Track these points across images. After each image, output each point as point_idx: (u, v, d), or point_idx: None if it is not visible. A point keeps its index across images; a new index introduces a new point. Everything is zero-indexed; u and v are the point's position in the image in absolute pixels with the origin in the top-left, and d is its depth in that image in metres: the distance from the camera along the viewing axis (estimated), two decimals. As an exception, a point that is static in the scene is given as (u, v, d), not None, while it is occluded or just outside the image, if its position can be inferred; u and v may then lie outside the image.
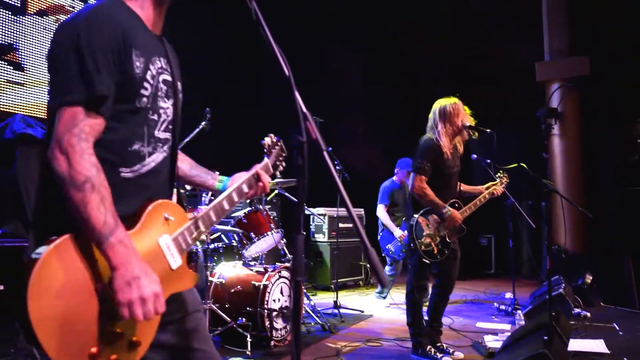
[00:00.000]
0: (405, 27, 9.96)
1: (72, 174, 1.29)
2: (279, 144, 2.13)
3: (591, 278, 6.40)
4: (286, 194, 5.67)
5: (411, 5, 9.82)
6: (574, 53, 8.38)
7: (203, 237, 4.81)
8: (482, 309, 6.28)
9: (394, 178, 6.67)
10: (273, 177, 2.07)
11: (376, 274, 1.13)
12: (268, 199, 6.20)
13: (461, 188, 4.23)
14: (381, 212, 6.46)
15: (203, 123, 4.36)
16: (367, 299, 6.93)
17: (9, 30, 5.67)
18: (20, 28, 5.80)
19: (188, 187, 4.42)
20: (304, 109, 1.19)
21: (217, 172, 1.99)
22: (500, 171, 4.45)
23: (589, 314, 5.36)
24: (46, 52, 1.44)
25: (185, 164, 1.93)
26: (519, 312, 4.91)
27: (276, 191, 5.68)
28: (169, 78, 1.61)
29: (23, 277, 1.23)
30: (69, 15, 1.45)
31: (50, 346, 1.23)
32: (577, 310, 5.40)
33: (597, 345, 4.20)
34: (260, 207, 4.74)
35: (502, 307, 5.94)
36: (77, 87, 1.34)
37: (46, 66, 1.44)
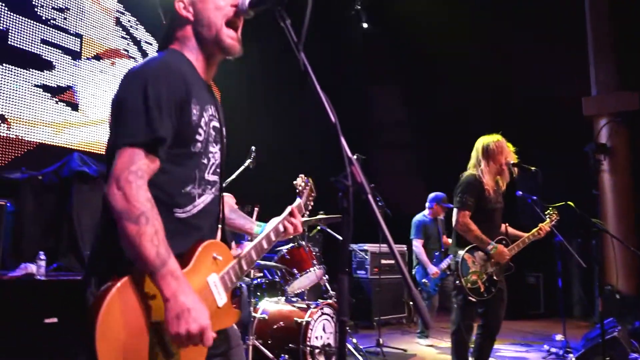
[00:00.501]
0: (450, 62, 10.00)
1: (129, 208, 1.36)
2: (309, 184, 2.21)
3: (648, 321, 6.09)
4: (328, 230, 5.70)
5: (456, 39, 9.88)
6: (622, 87, 8.21)
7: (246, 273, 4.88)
8: (531, 351, 6.05)
9: (426, 212, 6.65)
10: (303, 216, 2.12)
11: (421, 316, 1.15)
12: (310, 235, 6.24)
13: (507, 230, 4.14)
14: (417, 247, 6.42)
15: (248, 161, 4.48)
16: (410, 337, 6.79)
17: (68, 72, 6.04)
18: (78, 71, 6.17)
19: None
20: (349, 154, 1.24)
21: (257, 207, 2.10)
22: (551, 209, 4.34)
23: (646, 360, 5.08)
24: (113, 97, 1.55)
25: (226, 207, 1.99)
26: (571, 355, 4.71)
27: (318, 227, 5.72)
28: (217, 124, 1.72)
29: (90, 317, 1.32)
30: (137, 64, 1.58)
31: None
32: (633, 355, 5.13)
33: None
34: (303, 243, 4.78)
35: (553, 349, 5.71)
36: (140, 130, 1.43)
37: (110, 109, 1.54)
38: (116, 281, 1.37)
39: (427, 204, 6.69)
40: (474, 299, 3.82)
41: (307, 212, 2.23)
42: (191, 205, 1.60)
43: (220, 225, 1.80)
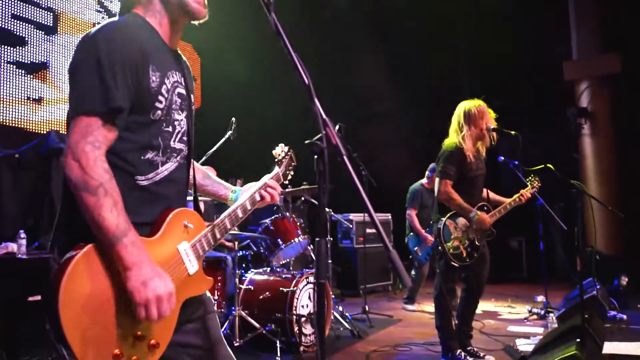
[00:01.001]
0: (432, 29, 9.92)
1: (86, 179, 1.35)
2: (289, 153, 2.19)
3: (627, 280, 6.24)
4: (312, 200, 5.71)
5: (437, 7, 9.79)
6: (604, 50, 8.22)
7: (227, 243, 4.89)
8: (514, 312, 6.18)
9: (423, 182, 6.65)
10: (283, 185, 2.12)
11: (398, 273, 1.15)
12: (294, 205, 6.25)
13: (489, 195, 4.17)
14: (409, 215, 6.46)
15: (229, 132, 4.44)
16: (396, 304, 6.90)
17: (42, 48, 5.88)
18: (52, 47, 6.00)
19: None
20: (324, 116, 1.22)
21: (241, 180, 2.07)
22: (532, 175, 4.37)
23: (625, 317, 5.22)
24: (78, 48, 1.50)
25: (199, 174, 1.99)
26: (552, 315, 4.83)
27: (302, 198, 5.72)
28: (183, 91, 1.68)
29: (54, 284, 1.31)
30: (90, 30, 1.52)
31: (77, 347, 1.31)
32: (612, 312, 5.27)
33: (634, 348, 4.10)
34: (287, 214, 4.78)
35: (534, 310, 5.84)
36: (95, 98, 1.40)
37: (68, 76, 1.50)
38: (80, 249, 1.36)
39: (427, 173, 6.68)
40: (456, 264, 3.87)
41: (287, 182, 2.22)
42: (153, 172, 1.58)
43: (192, 194, 1.79)
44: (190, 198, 1.86)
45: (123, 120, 1.46)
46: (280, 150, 2.18)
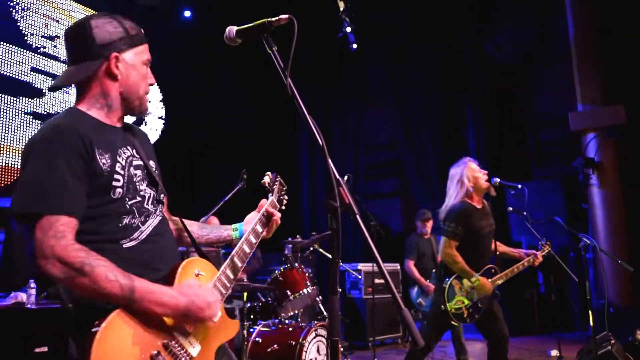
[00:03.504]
0: (439, 77, 10.12)
1: (68, 266, 1.38)
2: (277, 179, 2.22)
3: (642, 334, 6.09)
4: (321, 250, 5.69)
5: (442, 61, 10.03)
6: (608, 102, 8.33)
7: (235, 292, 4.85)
8: (527, 367, 6.01)
9: (417, 231, 6.66)
10: (279, 211, 2.14)
11: (410, 333, 1.16)
12: (303, 255, 6.23)
13: (497, 248, 4.15)
14: (409, 267, 6.41)
15: (240, 184, 4.49)
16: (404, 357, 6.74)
17: (58, 100, 6.06)
18: (68, 98, 6.19)
19: (219, 247, 4.51)
20: (337, 176, 1.26)
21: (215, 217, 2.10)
22: (545, 239, 4.38)
23: (642, 373, 5.07)
24: (24, 151, 1.57)
25: (193, 227, 2.02)
26: (567, 371, 4.70)
27: (311, 248, 5.71)
28: (139, 162, 1.73)
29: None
30: (34, 134, 1.60)
31: None
32: (628, 368, 5.12)
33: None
34: (296, 264, 4.77)
35: (549, 365, 5.69)
36: (48, 199, 1.45)
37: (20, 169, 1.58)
38: (99, 325, 1.37)
39: (416, 223, 6.71)
40: (456, 324, 3.85)
41: (284, 207, 2.22)
42: (137, 232, 1.63)
43: (194, 247, 1.87)
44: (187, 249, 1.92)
45: (80, 208, 1.50)
46: (268, 179, 2.20)
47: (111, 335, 1.36)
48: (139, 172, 1.70)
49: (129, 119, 1.86)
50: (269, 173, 2.23)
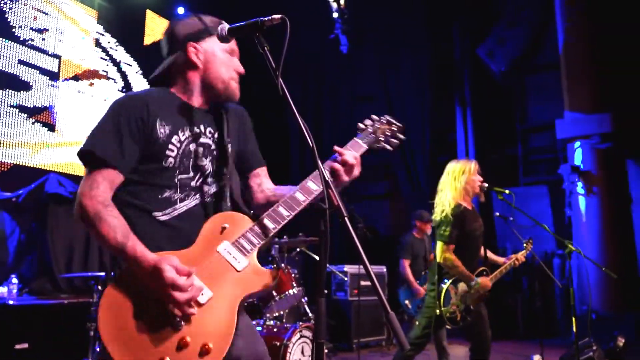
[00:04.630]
0: (430, 84, 10.18)
1: (84, 214, 1.57)
2: (377, 119, 2.03)
3: (624, 340, 6.16)
4: (307, 251, 5.69)
5: (433, 66, 10.08)
6: (595, 110, 8.43)
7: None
8: (510, 372, 6.05)
9: (413, 232, 6.64)
10: (279, 236, 2.08)
11: (397, 337, 1.15)
12: (289, 256, 6.22)
13: (487, 254, 4.18)
14: (404, 267, 6.40)
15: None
16: (390, 360, 6.76)
17: (45, 93, 5.99)
18: (55, 92, 6.12)
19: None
20: (327, 177, 1.25)
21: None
22: (528, 238, 4.42)
23: (622, 379, 5.13)
24: None
25: (285, 190, 1.91)
26: (549, 376, 4.74)
27: (298, 249, 5.70)
28: (207, 141, 1.81)
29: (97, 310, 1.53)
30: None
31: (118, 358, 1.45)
32: (610, 375, 5.17)
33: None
34: (282, 264, 4.76)
35: (531, 370, 5.73)
36: (97, 147, 1.64)
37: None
38: (112, 279, 1.59)
39: (412, 222, 6.68)
40: (449, 327, 3.88)
41: (391, 147, 2.01)
42: (171, 208, 1.70)
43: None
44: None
45: (126, 165, 1.67)
46: (369, 120, 2.03)
47: (115, 294, 1.52)
48: (200, 149, 1.78)
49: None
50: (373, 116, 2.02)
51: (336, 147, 1.80)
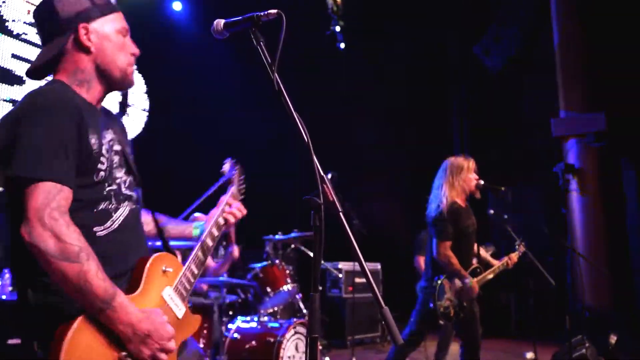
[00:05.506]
0: (425, 83, 10.19)
1: (65, 247, 1.32)
2: (236, 167, 2.20)
3: (616, 338, 6.19)
4: (302, 247, 5.69)
5: (429, 65, 10.09)
6: (590, 109, 8.45)
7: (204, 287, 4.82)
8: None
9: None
10: (240, 201, 2.12)
11: (390, 332, 1.15)
12: (284, 253, 6.22)
13: (480, 252, 4.19)
14: (419, 263, 6.36)
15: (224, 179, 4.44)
16: (384, 357, 6.76)
17: (41, 88, 5.96)
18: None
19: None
20: (322, 172, 1.25)
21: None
22: (520, 239, 4.43)
23: (614, 377, 5.16)
24: (8, 119, 1.49)
25: (160, 218, 2.00)
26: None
27: (292, 245, 5.70)
28: (118, 147, 1.67)
29: None
30: (30, 93, 1.53)
31: None
32: (602, 372, 5.20)
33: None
34: (277, 261, 4.76)
35: (524, 367, 5.76)
36: (51, 165, 1.38)
37: (6, 133, 1.45)
38: (67, 327, 1.32)
39: None
40: (443, 322, 3.89)
41: (243, 196, 2.20)
42: (110, 221, 1.57)
43: (160, 239, 1.85)
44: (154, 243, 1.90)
45: (74, 182, 1.45)
46: (227, 166, 2.20)
47: (81, 337, 1.33)
48: (116, 158, 1.65)
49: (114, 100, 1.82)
50: (228, 160, 2.21)
51: (229, 200, 2.03)
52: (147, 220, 1.91)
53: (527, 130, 9.27)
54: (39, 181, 1.36)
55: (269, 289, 4.57)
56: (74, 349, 1.30)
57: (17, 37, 5.76)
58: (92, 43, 1.59)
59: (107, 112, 1.76)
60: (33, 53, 5.91)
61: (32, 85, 5.81)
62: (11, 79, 5.66)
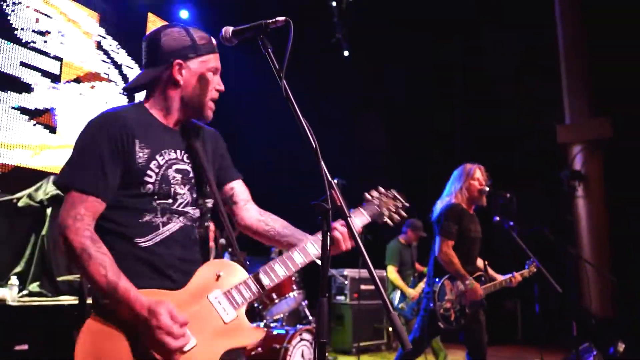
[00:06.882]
0: (427, 93, 10.20)
1: (71, 249, 1.51)
2: (384, 192, 2.08)
3: (624, 346, 6.15)
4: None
5: (431, 71, 10.10)
6: (596, 115, 8.44)
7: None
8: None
9: (400, 238, 6.65)
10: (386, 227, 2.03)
11: (399, 337, 1.16)
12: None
13: (487, 266, 4.15)
14: (392, 273, 6.42)
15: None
16: (390, 364, 6.74)
17: (46, 95, 6.00)
18: (57, 94, 6.13)
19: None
20: (329, 178, 1.26)
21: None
22: (532, 260, 4.39)
23: (622, 384, 5.12)
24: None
25: (278, 224, 1.97)
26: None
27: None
28: (184, 167, 1.76)
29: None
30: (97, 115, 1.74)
31: None
32: (609, 380, 5.17)
33: None
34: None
35: (531, 375, 5.72)
36: (81, 177, 1.58)
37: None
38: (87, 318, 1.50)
39: (402, 228, 6.70)
40: (442, 325, 3.83)
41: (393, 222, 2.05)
42: (153, 233, 1.65)
43: (231, 252, 1.87)
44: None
45: (107, 192, 1.61)
46: (375, 192, 2.07)
47: (93, 325, 1.50)
48: (179, 176, 1.73)
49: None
50: (379, 187, 2.08)
51: (336, 225, 1.79)
52: (261, 220, 1.96)
53: (532, 136, 9.25)
54: (68, 190, 1.58)
55: (274, 296, 4.57)
56: (88, 335, 1.47)
57: (25, 45, 5.81)
58: (182, 78, 1.76)
59: (193, 131, 1.85)
60: (41, 61, 5.96)
61: (41, 93, 5.87)
62: (20, 86, 5.71)
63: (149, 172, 1.66)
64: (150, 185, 1.65)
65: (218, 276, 1.65)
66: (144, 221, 1.64)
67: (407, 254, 6.51)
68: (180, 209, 1.71)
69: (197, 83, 1.77)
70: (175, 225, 1.69)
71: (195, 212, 1.76)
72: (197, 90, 1.78)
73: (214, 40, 1.81)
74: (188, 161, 1.78)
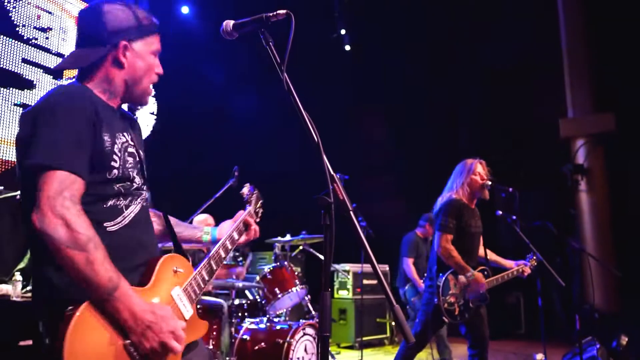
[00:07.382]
0: (428, 87, 10.17)
1: (74, 236, 1.34)
2: (254, 192, 2.26)
3: (627, 339, 6.15)
4: (311, 249, 5.69)
5: (435, 66, 10.07)
6: (598, 109, 8.41)
7: (210, 288, 4.85)
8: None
9: (417, 231, 6.65)
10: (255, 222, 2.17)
11: (402, 330, 1.16)
12: (292, 254, 6.23)
13: (487, 255, 4.16)
14: (408, 265, 6.40)
15: (231, 180, 4.47)
16: (392, 358, 6.75)
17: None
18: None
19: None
20: (332, 172, 1.26)
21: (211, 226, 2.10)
22: (532, 255, 4.39)
23: (625, 378, 5.12)
24: (27, 116, 1.54)
25: (172, 221, 2.00)
26: (551, 374, 4.73)
27: (301, 247, 5.71)
28: (133, 150, 1.73)
29: (55, 355, 1.29)
30: (52, 91, 1.59)
31: None
32: (612, 373, 5.17)
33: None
34: (285, 263, 4.77)
35: (534, 369, 5.73)
36: (68, 157, 1.43)
37: (24, 127, 1.54)
38: (73, 311, 1.34)
39: (419, 222, 6.68)
40: (446, 320, 3.84)
41: (259, 219, 2.24)
42: (120, 216, 1.61)
43: (172, 238, 1.88)
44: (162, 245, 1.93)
45: (87, 177, 1.49)
46: (246, 190, 2.26)
47: (87, 320, 1.35)
48: (131, 160, 1.69)
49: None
50: (247, 184, 2.28)
51: (247, 218, 2.09)
52: (158, 221, 1.94)
53: (535, 130, 9.23)
54: (55, 169, 1.40)
55: (277, 291, 4.57)
56: (80, 331, 1.32)
57: (27, 42, 5.81)
58: (127, 60, 1.68)
59: (124, 115, 1.81)
60: (43, 57, 5.96)
61: (42, 89, 5.87)
62: (22, 83, 5.71)
63: (114, 156, 1.60)
64: (115, 171, 1.59)
65: (175, 271, 1.65)
66: (109, 206, 1.58)
67: (424, 248, 6.50)
68: (137, 191, 1.69)
69: (140, 66, 1.71)
70: (136, 207, 1.68)
71: (146, 194, 1.76)
72: (141, 73, 1.72)
73: (155, 20, 1.76)
74: (133, 143, 1.74)
